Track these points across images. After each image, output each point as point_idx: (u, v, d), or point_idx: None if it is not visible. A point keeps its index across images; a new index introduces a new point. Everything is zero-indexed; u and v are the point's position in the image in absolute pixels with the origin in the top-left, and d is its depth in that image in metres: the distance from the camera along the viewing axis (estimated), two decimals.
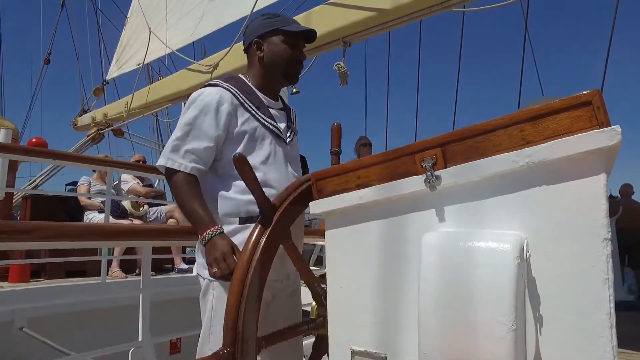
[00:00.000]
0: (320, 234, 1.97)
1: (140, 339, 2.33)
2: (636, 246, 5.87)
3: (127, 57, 5.64)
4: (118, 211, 4.45)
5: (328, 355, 1.28)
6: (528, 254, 0.93)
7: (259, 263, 1.26)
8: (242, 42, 1.81)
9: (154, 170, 3.52)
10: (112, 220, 3.90)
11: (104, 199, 3.96)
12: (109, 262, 4.05)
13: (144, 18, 5.01)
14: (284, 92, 2.03)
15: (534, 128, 0.97)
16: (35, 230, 1.62)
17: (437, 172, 1.06)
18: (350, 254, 1.24)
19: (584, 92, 0.92)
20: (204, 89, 1.50)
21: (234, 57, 3.45)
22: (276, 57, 1.55)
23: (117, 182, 4.94)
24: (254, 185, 1.28)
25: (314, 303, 1.50)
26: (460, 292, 0.93)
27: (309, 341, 1.66)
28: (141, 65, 5.09)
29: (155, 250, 3.29)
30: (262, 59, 1.57)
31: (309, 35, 1.60)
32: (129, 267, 4.41)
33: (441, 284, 0.96)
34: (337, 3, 2.95)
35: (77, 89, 9.01)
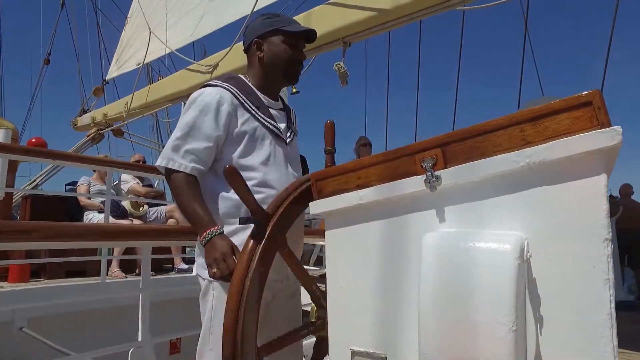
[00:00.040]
0: (320, 234, 1.96)
1: (140, 339, 2.33)
2: (636, 246, 5.87)
3: (127, 57, 5.64)
4: (118, 211, 4.45)
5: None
6: (528, 254, 0.92)
7: (259, 264, 1.25)
8: (242, 42, 1.81)
9: (154, 170, 3.51)
10: (111, 220, 3.91)
11: (103, 199, 3.97)
12: (109, 262, 4.06)
13: (144, 18, 5.01)
14: (284, 92, 2.03)
15: (534, 128, 0.97)
16: (35, 230, 1.62)
17: (437, 173, 1.06)
18: (350, 254, 1.24)
19: (585, 93, 0.91)
20: (204, 89, 1.50)
21: (234, 57, 3.45)
22: (276, 57, 1.55)
23: (116, 182, 4.94)
24: (246, 197, 1.26)
25: (313, 305, 1.50)
26: (461, 293, 0.93)
27: (309, 341, 1.66)
28: (141, 65, 5.09)
29: (155, 250, 3.29)
30: (262, 59, 1.57)
31: (309, 35, 1.60)
32: (128, 267, 4.41)
33: (441, 284, 0.96)
34: (337, 3, 2.95)
35: (77, 89, 9.04)
